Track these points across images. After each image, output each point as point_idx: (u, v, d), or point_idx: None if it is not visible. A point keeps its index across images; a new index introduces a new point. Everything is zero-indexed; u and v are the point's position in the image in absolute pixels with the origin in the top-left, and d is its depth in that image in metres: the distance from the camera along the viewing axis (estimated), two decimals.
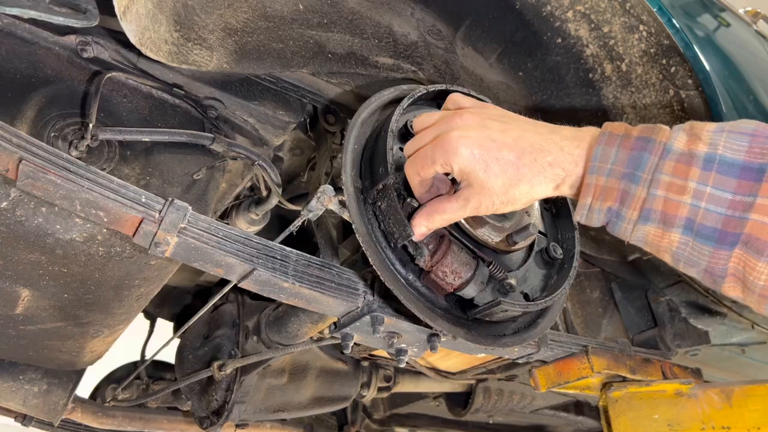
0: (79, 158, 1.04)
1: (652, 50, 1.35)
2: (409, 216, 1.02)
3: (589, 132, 0.92)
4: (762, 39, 1.86)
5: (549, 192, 0.92)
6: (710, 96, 1.36)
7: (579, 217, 0.91)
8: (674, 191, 0.81)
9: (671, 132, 0.85)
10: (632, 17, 1.31)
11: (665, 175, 0.82)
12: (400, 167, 1.08)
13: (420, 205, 1.02)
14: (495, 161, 0.90)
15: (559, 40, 1.40)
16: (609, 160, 0.86)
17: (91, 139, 1.15)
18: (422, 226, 0.99)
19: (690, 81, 1.36)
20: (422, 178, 0.98)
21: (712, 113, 1.37)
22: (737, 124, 0.82)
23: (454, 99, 1.06)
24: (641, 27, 1.32)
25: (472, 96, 1.23)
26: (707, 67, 1.34)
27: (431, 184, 1.01)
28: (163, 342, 1.73)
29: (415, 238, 1.01)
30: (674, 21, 1.31)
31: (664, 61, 1.36)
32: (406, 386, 2.39)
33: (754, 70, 1.57)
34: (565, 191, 0.92)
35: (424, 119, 1.03)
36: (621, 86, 1.44)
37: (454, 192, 0.98)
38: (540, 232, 1.23)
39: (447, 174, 1.00)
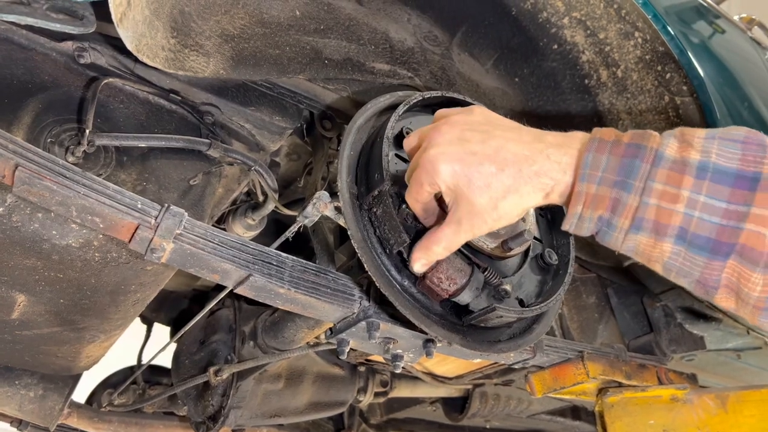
0: (75, 164, 1.04)
1: (647, 57, 1.36)
2: (404, 222, 1.02)
3: (577, 138, 0.89)
4: (757, 46, 1.87)
5: (539, 201, 0.90)
6: (705, 102, 1.36)
7: (569, 226, 0.89)
8: (667, 200, 0.79)
9: (662, 138, 0.83)
10: (627, 24, 1.32)
11: (658, 183, 0.80)
12: (396, 174, 1.09)
13: (414, 218, 1.02)
14: (477, 175, 0.87)
15: (555, 47, 1.41)
16: (600, 168, 0.84)
17: (87, 144, 1.15)
18: (422, 260, 0.98)
19: (685, 87, 1.37)
20: (422, 203, 0.96)
21: (707, 120, 1.38)
22: (727, 131, 0.81)
23: (440, 112, 1.03)
24: (636, 34, 1.33)
25: (468, 102, 1.23)
26: (702, 73, 1.34)
27: (433, 207, 0.99)
28: (160, 347, 1.73)
29: (416, 272, 1.00)
30: (669, 28, 1.31)
31: (659, 68, 1.37)
32: (402, 391, 2.39)
33: (749, 76, 1.58)
34: (555, 200, 0.89)
35: (410, 140, 1.00)
36: (617, 92, 1.45)
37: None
38: (535, 238, 1.23)
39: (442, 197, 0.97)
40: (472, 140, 0.90)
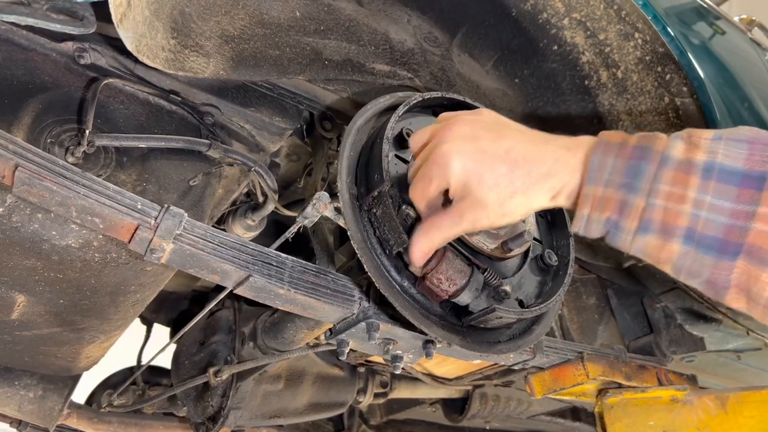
0: (75, 164, 1.04)
1: (647, 58, 1.36)
2: (404, 223, 1.02)
3: (585, 141, 0.90)
4: (757, 47, 1.87)
5: (545, 203, 0.90)
6: (705, 103, 1.36)
7: (578, 228, 0.89)
8: (674, 201, 0.80)
9: (669, 140, 0.83)
10: (627, 25, 1.32)
11: (664, 184, 0.80)
12: (398, 176, 1.09)
13: (417, 218, 1.01)
14: (489, 174, 0.88)
15: (555, 48, 1.41)
16: (606, 170, 0.85)
17: (87, 145, 1.15)
18: (422, 246, 0.97)
19: (685, 88, 1.37)
20: (428, 199, 0.96)
21: (707, 120, 1.38)
22: (735, 131, 0.81)
23: (445, 114, 1.03)
24: (636, 35, 1.33)
25: (468, 103, 1.23)
26: (702, 74, 1.35)
27: (436, 204, 0.99)
28: (160, 347, 1.73)
29: (417, 263, 1.00)
30: (669, 29, 1.32)
31: (659, 69, 1.37)
32: (402, 392, 2.39)
33: (749, 77, 1.58)
34: (562, 202, 0.90)
35: (418, 138, 1.00)
36: (617, 93, 1.45)
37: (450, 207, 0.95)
38: (535, 239, 1.23)
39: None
40: (483, 138, 0.91)
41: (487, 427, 2.76)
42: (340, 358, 1.18)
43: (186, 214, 0.95)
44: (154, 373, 2.36)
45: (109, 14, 0.92)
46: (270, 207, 1.58)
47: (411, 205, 1.03)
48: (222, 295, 1.23)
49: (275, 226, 1.92)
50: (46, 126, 1.19)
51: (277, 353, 1.63)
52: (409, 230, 1.03)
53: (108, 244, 1.20)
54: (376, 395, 2.30)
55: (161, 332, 2.57)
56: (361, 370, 2.24)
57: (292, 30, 1.29)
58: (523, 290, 1.17)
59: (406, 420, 2.82)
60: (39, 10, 0.95)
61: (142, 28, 1.02)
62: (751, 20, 2.07)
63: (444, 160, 0.90)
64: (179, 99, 1.34)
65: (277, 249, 1.10)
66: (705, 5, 1.68)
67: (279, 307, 1.10)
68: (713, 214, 0.78)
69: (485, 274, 1.07)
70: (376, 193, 1.03)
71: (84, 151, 1.16)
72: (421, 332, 1.07)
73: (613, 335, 2.07)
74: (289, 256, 1.10)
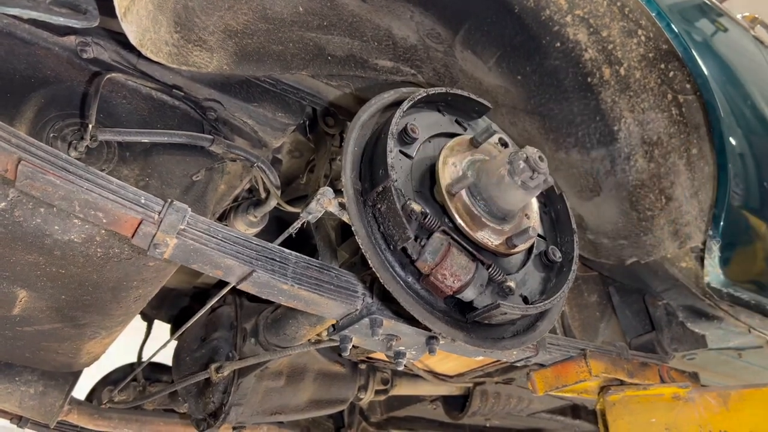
0: (78, 159, 1.04)
1: (650, 55, 1.36)
2: (409, 218, 1.02)
3: None
4: (759, 44, 1.87)
5: None
6: (708, 100, 1.36)
7: None
8: None
9: None
10: (631, 22, 1.31)
11: None
12: (402, 171, 1.08)
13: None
14: None
15: (558, 44, 1.40)
16: None
17: (90, 139, 1.15)
18: None
19: (688, 85, 1.37)
20: None
21: (710, 118, 1.37)
22: None
23: None
24: (640, 32, 1.33)
25: (472, 99, 1.23)
26: (705, 71, 1.34)
27: None
28: (161, 344, 1.72)
29: None
30: (673, 26, 1.31)
31: (662, 66, 1.37)
32: (403, 389, 2.39)
33: (752, 75, 1.58)
34: None
35: None
36: (619, 90, 1.44)
37: None
38: (539, 235, 1.23)
39: None
40: None
41: (488, 425, 2.76)
42: (342, 354, 1.18)
43: (190, 209, 0.95)
44: (154, 369, 2.35)
45: (112, 8, 0.92)
46: (272, 203, 1.57)
47: (415, 200, 1.02)
48: (224, 291, 1.23)
49: (277, 222, 1.92)
50: (49, 120, 1.18)
51: (278, 350, 1.63)
52: (414, 226, 1.02)
53: (111, 239, 1.20)
54: (377, 392, 2.30)
55: (162, 329, 2.56)
56: (362, 367, 2.24)
57: (296, 25, 1.28)
58: (527, 286, 1.17)
59: (407, 417, 2.82)
60: (42, 4, 0.95)
61: (146, 22, 1.01)
62: (753, 18, 2.07)
63: None
64: (182, 94, 1.34)
65: (279, 245, 1.10)
66: (708, 2, 1.68)
67: (282, 303, 1.10)
68: None
69: (490, 270, 1.07)
70: (380, 189, 1.03)
71: (87, 146, 1.16)
72: (425, 328, 1.07)
73: (614, 333, 2.07)
74: (293, 252, 1.09)
